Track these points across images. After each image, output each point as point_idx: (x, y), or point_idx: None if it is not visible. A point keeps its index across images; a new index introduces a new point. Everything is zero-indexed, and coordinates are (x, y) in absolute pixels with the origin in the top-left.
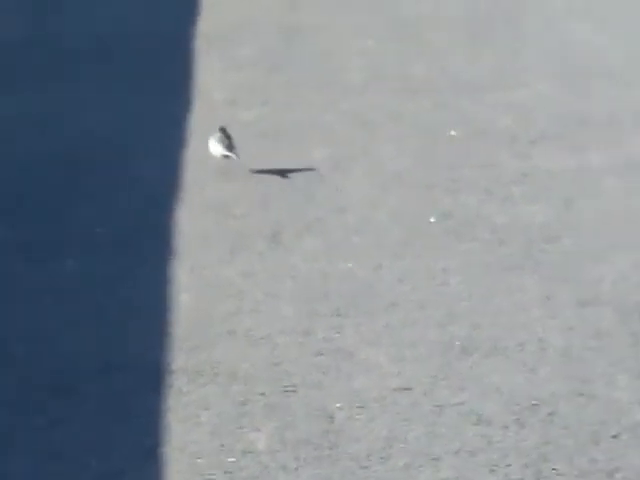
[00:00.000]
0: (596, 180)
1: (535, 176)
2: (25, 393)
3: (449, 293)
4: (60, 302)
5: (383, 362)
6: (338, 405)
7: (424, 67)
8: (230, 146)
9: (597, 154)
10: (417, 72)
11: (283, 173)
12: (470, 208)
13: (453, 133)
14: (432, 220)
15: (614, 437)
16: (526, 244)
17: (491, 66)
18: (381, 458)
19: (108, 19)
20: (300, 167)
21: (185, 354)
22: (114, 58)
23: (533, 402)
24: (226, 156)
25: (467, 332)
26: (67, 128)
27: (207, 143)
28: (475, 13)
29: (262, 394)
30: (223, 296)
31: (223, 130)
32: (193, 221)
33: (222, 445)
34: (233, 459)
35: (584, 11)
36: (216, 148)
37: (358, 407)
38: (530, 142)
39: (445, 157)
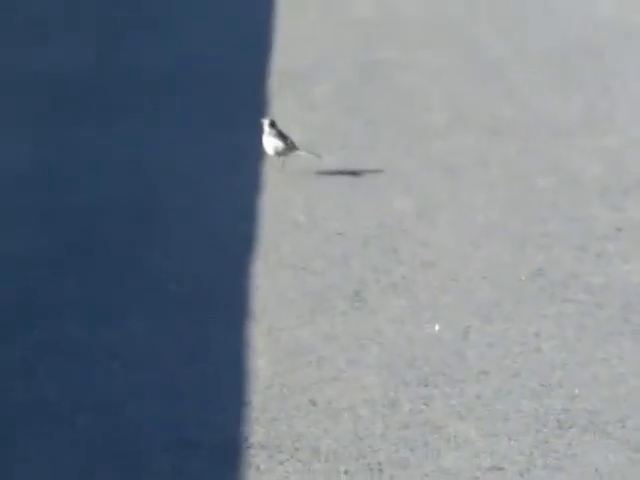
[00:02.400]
0: None
1: (630, 230)
2: (89, 469)
3: (542, 360)
4: (128, 368)
5: (474, 437)
6: None
7: (510, 108)
8: (292, 143)
9: None
10: (503, 113)
11: (364, 225)
12: (563, 266)
13: (541, 183)
14: (523, 278)
15: None
16: (623, 306)
17: (580, 107)
18: None
19: (178, 54)
20: (382, 219)
21: (263, 427)
22: (184, 95)
23: None
24: (283, 153)
25: (563, 404)
26: (136, 171)
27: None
28: (560, 51)
29: (346, 472)
30: (303, 362)
31: (273, 124)
32: (270, 278)
33: None
34: None
35: None
36: (277, 144)
37: None
38: (623, 192)
39: (535, 207)
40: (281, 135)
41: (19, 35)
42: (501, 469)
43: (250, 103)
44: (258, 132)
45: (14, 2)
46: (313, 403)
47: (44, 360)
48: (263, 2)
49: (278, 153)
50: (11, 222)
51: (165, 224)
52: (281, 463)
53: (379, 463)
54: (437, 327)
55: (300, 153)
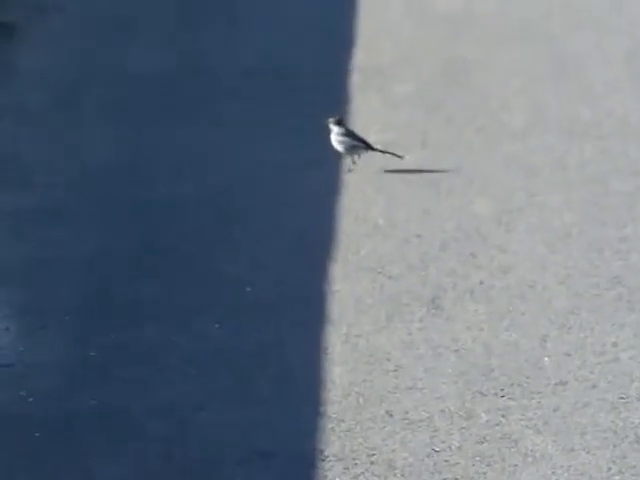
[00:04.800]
0: None
1: None
2: (160, 477)
3: (621, 371)
4: (203, 373)
5: (552, 452)
6: None
7: (588, 108)
8: (364, 141)
9: None
10: (581, 114)
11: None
12: None
13: (618, 186)
14: (599, 285)
15: None
16: None
17: None
18: None
19: (258, 52)
20: (460, 221)
21: (339, 438)
22: (263, 93)
23: None
24: (354, 151)
25: None
26: (213, 171)
27: (332, 142)
28: (635, 48)
29: None
30: (380, 371)
31: (340, 123)
32: (348, 281)
33: None
34: None
35: None
36: (346, 142)
37: None
38: None
39: (612, 211)
40: (350, 134)
41: (99, 33)
42: None
43: (331, 100)
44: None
45: (94, 2)
46: (389, 414)
47: (119, 363)
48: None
49: (348, 151)
50: (88, 220)
51: (242, 225)
52: (356, 477)
53: (455, 479)
54: (514, 336)
55: (378, 151)
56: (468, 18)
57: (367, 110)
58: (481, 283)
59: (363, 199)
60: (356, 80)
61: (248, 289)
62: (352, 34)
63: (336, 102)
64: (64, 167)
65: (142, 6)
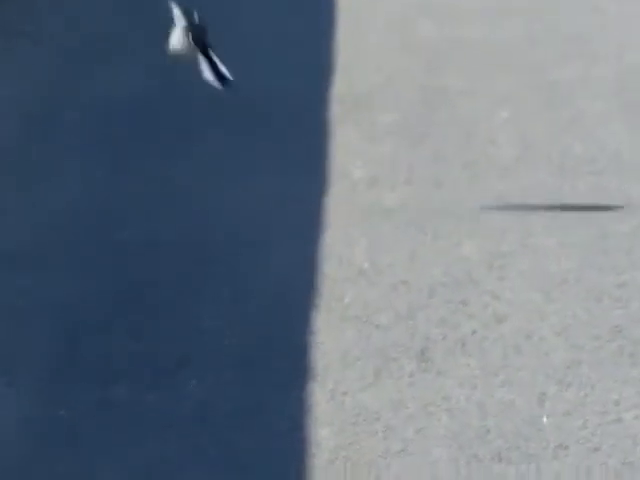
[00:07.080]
0: None
1: None
2: None
3: (624, 433)
4: (180, 435)
5: None
6: None
7: (580, 142)
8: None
9: None
10: (573, 148)
11: (431, 274)
12: None
13: (615, 226)
14: (600, 337)
15: None
16: None
17: None
18: None
19: (240, 80)
20: (449, 266)
21: None
22: (234, 126)
23: None
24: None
25: None
26: (193, 210)
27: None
28: (630, 77)
29: None
30: (368, 432)
31: (188, 13)
32: (332, 333)
33: None
34: None
35: None
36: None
37: None
38: None
39: (609, 255)
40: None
41: (72, 63)
42: None
43: (308, 133)
44: (318, 168)
45: (77, 23)
46: None
47: (89, 424)
48: (323, 25)
49: (180, 49)
50: (55, 264)
51: (220, 270)
52: None
53: None
54: (510, 394)
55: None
56: (452, 45)
57: (347, 143)
58: (473, 333)
59: (346, 240)
60: (335, 111)
61: (226, 342)
62: (330, 60)
63: (317, 135)
64: (32, 207)
65: (118, 37)
